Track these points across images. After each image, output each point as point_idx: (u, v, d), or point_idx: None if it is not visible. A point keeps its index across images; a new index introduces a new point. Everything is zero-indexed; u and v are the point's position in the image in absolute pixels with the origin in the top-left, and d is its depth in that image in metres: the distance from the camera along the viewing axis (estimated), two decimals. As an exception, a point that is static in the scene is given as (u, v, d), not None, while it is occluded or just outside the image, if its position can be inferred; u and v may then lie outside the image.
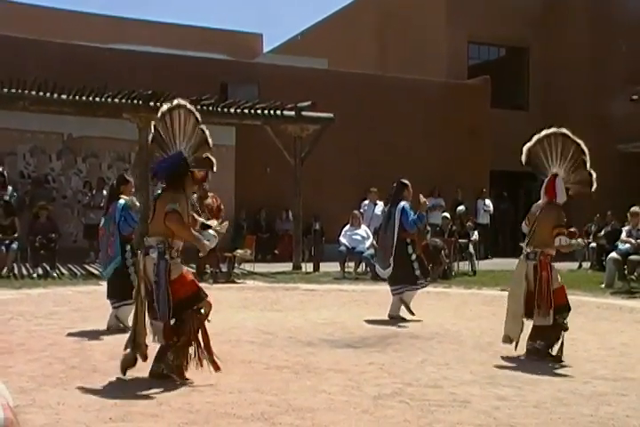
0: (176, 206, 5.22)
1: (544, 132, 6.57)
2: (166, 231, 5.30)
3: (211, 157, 5.62)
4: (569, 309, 6.48)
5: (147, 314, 5.35)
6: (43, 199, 14.23)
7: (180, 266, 5.41)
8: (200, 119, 5.63)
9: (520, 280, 6.38)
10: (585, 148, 6.51)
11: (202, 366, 5.31)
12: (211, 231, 5.76)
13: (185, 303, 5.29)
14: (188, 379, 5.26)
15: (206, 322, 5.42)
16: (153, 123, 5.61)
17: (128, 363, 5.29)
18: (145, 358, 5.31)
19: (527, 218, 6.72)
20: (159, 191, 5.59)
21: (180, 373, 5.26)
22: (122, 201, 7.48)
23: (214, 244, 5.73)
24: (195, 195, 9.33)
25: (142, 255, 5.41)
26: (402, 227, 8.53)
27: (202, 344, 5.32)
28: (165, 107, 5.58)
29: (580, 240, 6.56)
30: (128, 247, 7.53)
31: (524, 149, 6.59)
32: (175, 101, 5.61)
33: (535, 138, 6.58)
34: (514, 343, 6.36)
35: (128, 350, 5.32)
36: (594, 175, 6.53)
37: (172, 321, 5.30)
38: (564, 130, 6.56)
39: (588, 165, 6.52)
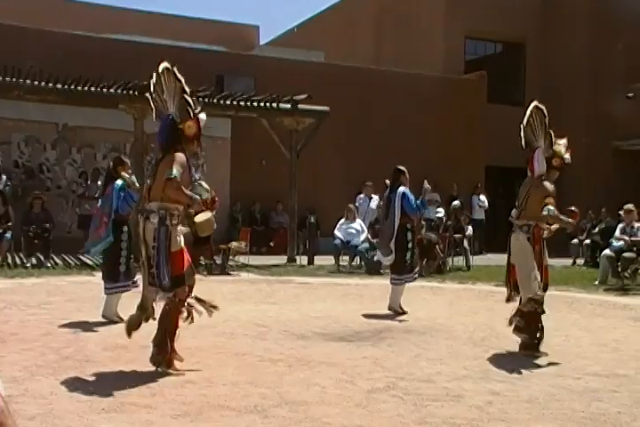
0: (174, 172, 5.14)
1: (528, 109, 6.54)
2: (166, 197, 5.26)
3: (190, 107, 5.48)
4: (547, 288, 6.46)
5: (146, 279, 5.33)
6: (35, 189, 14.19)
7: (179, 238, 5.34)
8: (186, 88, 5.55)
9: (525, 247, 6.26)
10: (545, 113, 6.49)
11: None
12: (203, 184, 5.72)
13: (180, 279, 5.25)
14: (178, 370, 5.25)
15: (212, 313, 5.43)
16: (151, 89, 5.55)
17: (132, 326, 5.34)
18: (147, 319, 5.35)
19: (517, 199, 6.67)
20: (159, 156, 5.56)
21: (168, 364, 5.25)
22: (119, 182, 7.42)
23: (205, 196, 5.65)
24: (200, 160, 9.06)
25: (142, 219, 5.36)
26: (403, 212, 8.55)
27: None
28: (158, 71, 5.52)
29: (571, 220, 6.44)
30: (125, 228, 7.49)
31: (521, 131, 6.54)
32: (163, 65, 5.55)
33: (525, 117, 6.56)
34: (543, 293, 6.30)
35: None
36: (561, 144, 6.50)
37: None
38: (535, 102, 6.55)
39: (553, 134, 6.49)
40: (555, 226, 6.51)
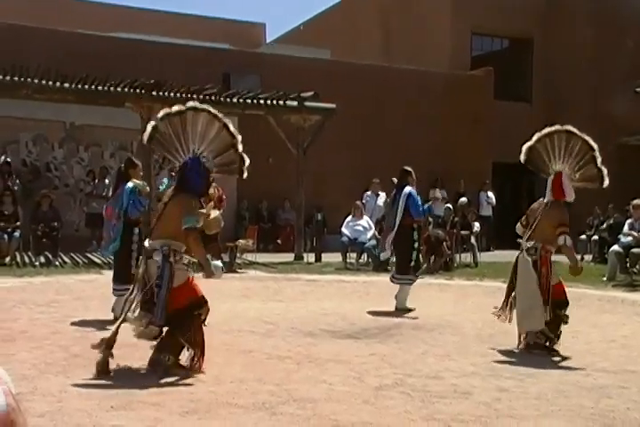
0: (198, 221, 5.15)
1: (546, 131, 6.47)
2: (175, 235, 5.20)
3: (244, 159, 5.55)
4: (567, 303, 6.44)
5: (143, 318, 5.21)
6: (42, 188, 14.24)
7: (183, 272, 5.32)
8: (227, 124, 5.55)
9: (529, 274, 6.26)
10: (594, 144, 6.40)
11: (199, 368, 5.25)
12: (218, 263, 5.69)
13: (184, 312, 5.20)
14: (185, 367, 5.24)
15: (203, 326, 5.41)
16: (153, 122, 5.49)
17: (103, 367, 5.10)
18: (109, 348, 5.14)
19: (526, 215, 6.62)
20: (171, 193, 5.48)
21: (176, 367, 5.21)
22: (130, 184, 7.43)
23: (220, 275, 5.62)
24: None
25: (144, 259, 5.33)
26: (406, 212, 8.55)
27: (200, 348, 5.26)
28: (180, 108, 5.47)
29: (579, 265, 6.45)
30: (137, 231, 7.51)
31: (524, 147, 6.49)
32: (192, 104, 5.52)
33: (536, 136, 6.49)
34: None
35: (100, 350, 5.12)
36: (604, 171, 6.46)
37: (169, 328, 5.23)
38: (569, 127, 6.47)
39: (599, 161, 6.43)
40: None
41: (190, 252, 5.31)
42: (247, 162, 5.58)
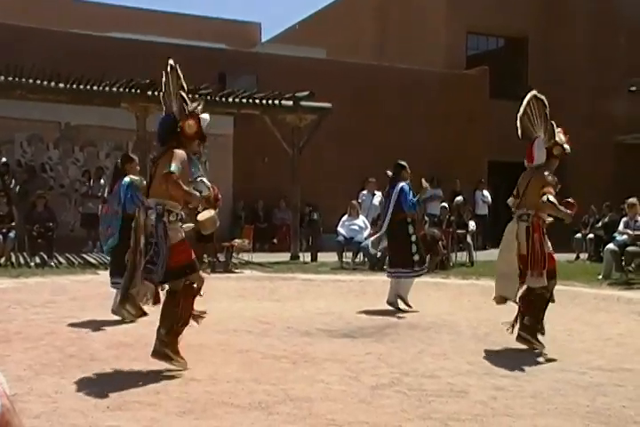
0: (173, 167, 5.10)
1: (525, 99, 6.53)
2: (164, 193, 5.22)
3: (186, 104, 5.49)
4: (555, 276, 6.41)
5: (140, 273, 5.29)
6: (37, 188, 14.22)
7: (178, 231, 5.33)
8: (184, 86, 5.59)
9: (512, 242, 6.31)
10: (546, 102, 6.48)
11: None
12: (204, 180, 5.67)
13: (178, 271, 5.24)
14: (183, 358, 5.24)
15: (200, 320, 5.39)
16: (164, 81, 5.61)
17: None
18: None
19: (516, 186, 6.66)
20: (158, 153, 5.54)
21: (174, 350, 5.23)
22: (127, 179, 7.43)
23: (206, 192, 5.62)
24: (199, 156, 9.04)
25: (142, 216, 5.36)
26: (398, 207, 8.56)
27: (184, 323, 5.31)
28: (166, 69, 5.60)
29: (569, 211, 6.39)
30: (134, 225, 7.48)
31: (518, 120, 6.54)
32: (169, 63, 5.60)
33: (522, 107, 6.55)
34: (510, 301, 6.34)
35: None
36: (558, 134, 6.48)
37: (165, 287, 5.29)
38: (534, 92, 6.55)
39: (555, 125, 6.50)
40: (550, 219, 6.48)
41: (173, 198, 5.26)
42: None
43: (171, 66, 5.57)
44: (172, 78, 5.57)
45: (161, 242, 5.18)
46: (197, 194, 5.44)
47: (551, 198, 6.10)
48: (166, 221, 5.23)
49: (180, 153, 5.27)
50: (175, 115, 5.46)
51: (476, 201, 18.46)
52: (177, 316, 5.25)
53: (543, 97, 6.53)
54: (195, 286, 5.33)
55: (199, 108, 5.52)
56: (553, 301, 6.40)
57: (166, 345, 5.21)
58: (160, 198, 5.26)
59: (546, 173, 6.32)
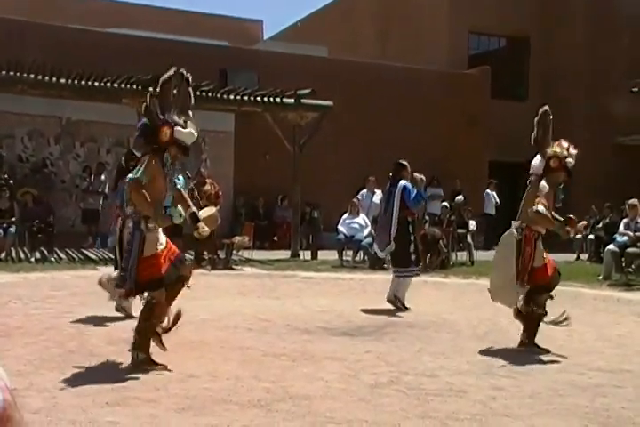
0: (138, 175, 5.03)
1: (541, 110, 6.57)
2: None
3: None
4: (549, 290, 6.31)
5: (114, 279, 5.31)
6: (42, 184, 14.22)
7: (154, 243, 5.18)
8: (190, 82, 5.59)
9: (510, 249, 6.25)
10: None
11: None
12: (179, 208, 5.54)
13: (143, 285, 5.18)
14: (158, 364, 5.19)
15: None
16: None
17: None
18: None
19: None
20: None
21: (149, 363, 5.18)
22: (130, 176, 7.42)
23: (177, 221, 5.54)
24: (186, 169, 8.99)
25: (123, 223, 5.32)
26: (403, 205, 8.55)
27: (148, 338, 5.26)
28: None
29: (568, 228, 6.28)
30: None
31: (535, 126, 6.54)
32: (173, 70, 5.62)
33: (538, 116, 6.57)
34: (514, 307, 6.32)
35: None
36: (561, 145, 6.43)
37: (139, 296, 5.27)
38: (546, 107, 6.60)
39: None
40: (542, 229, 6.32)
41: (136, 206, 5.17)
42: None
43: (185, 77, 5.53)
44: (182, 91, 5.48)
45: (133, 251, 5.11)
46: (160, 214, 5.24)
47: (540, 208, 5.92)
48: (144, 228, 5.13)
49: (151, 160, 5.20)
50: (154, 121, 5.37)
51: (488, 200, 18.41)
52: (143, 324, 5.24)
53: (549, 111, 6.53)
54: (155, 302, 5.20)
55: (188, 122, 5.42)
56: (552, 298, 6.37)
57: (135, 347, 5.19)
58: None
59: (542, 184, 6.26)
